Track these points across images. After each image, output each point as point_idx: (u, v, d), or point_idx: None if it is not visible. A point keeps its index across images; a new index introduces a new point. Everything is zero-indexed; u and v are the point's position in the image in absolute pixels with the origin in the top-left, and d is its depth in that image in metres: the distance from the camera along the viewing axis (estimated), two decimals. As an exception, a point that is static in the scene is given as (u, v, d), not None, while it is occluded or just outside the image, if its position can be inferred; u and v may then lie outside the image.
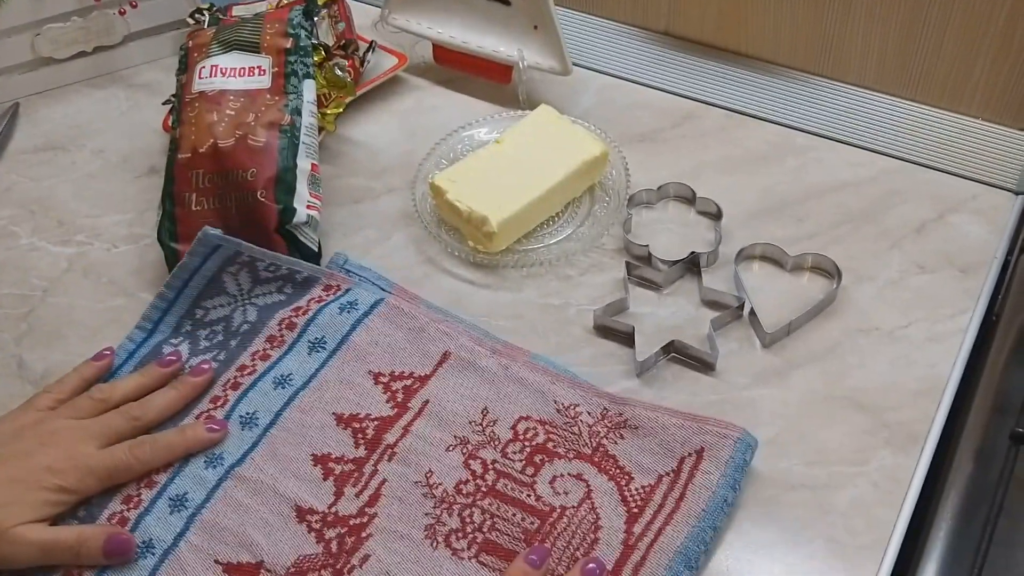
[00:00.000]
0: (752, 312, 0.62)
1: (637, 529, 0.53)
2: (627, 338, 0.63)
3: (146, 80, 0.88)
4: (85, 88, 0.88)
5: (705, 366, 0.61)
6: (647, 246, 0.66)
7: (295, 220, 0.67)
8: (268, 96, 0.70)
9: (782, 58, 0.78)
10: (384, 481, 0.56)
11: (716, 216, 0.69)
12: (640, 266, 0.66)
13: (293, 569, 0.52)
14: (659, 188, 0.71)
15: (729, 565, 0.53)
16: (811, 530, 0.54)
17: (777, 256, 0.66)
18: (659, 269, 0.66)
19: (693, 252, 0.65)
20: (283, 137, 0.68)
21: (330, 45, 0.79)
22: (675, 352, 0.62)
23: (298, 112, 0.69)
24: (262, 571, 0.52)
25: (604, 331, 0.64)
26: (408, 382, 0.60)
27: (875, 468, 0.56)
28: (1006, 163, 0.71)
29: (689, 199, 0.71)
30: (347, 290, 0.64)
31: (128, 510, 0.55)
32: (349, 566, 0.52)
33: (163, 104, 0.81)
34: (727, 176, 0.73)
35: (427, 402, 0.59)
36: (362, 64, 0.80)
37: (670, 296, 0.66)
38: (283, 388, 0.60)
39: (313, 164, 0.70)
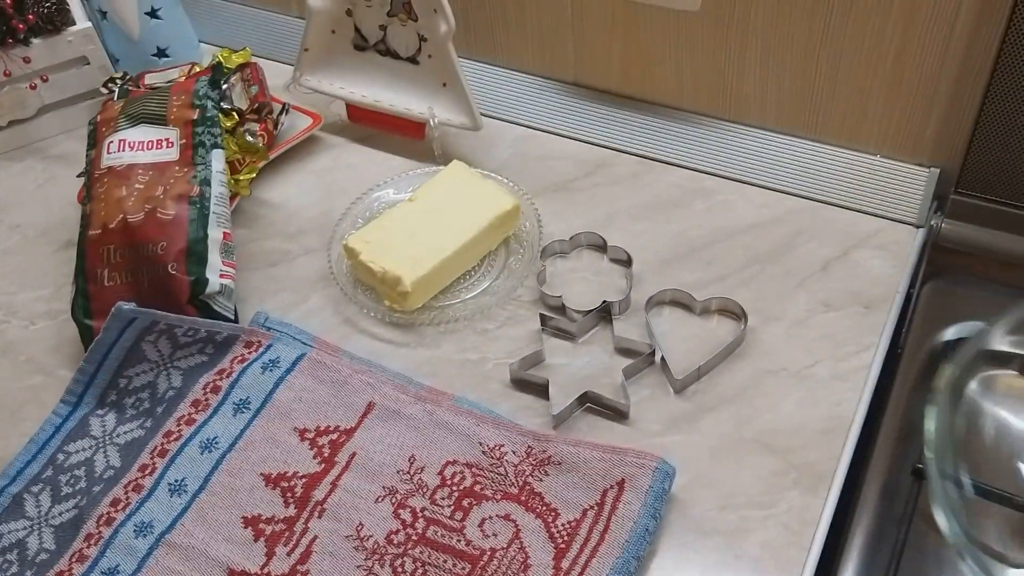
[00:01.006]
0: (663, 359, 0.63)
1: (565, 564, 0.54)
2: (543, 390, 0.64)
3: (62, 151, 0.88)
4: (1, 161, 0.87)
5: (619, 415, 0.62)
6: (560, 297, 0.68)
7: (208, 290, 0.67)
8: (176, 168, 0.70)
9: (686, 103, 0.79)
10: (315, 538, 0.56)
11: (627, 263, 0.71)
12: (555, 317, 0.67)
13: None
14: (571, 238, 0.73)
15: (644, 616, 0.54)
16: (725, 575, 0.55)
17: (686, 301, 0.67)
18: (573, 319, 0.67)
19: (605, 301, 0.67)
20: (192, 208, 0.68)
21: (243, 109, 0.79)
22: (590, 402, 0.63)
23: (207, 182, 0.70)
24: None
25: (521, 384, 0.65)
26: (334, 436, 0.60)
27: (784, 510, 0.57)
28: (906, 198, 0.73)
29: (601, 247, 0.73)
30: (268, 346, 0.65)
31: None
32: None
33: (77, 176, 0.81)
34: (639, 222, 0.74)
35: (354, 455, 0.59)
36: (276, 126, 0.81)
37: (584, 345, 0.67)
38: (210, 452, 0.60)
39: (225, 232, 0.70)
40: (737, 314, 0.66)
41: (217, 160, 0.71)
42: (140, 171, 0.70)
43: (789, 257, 0.71)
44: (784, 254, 0.71)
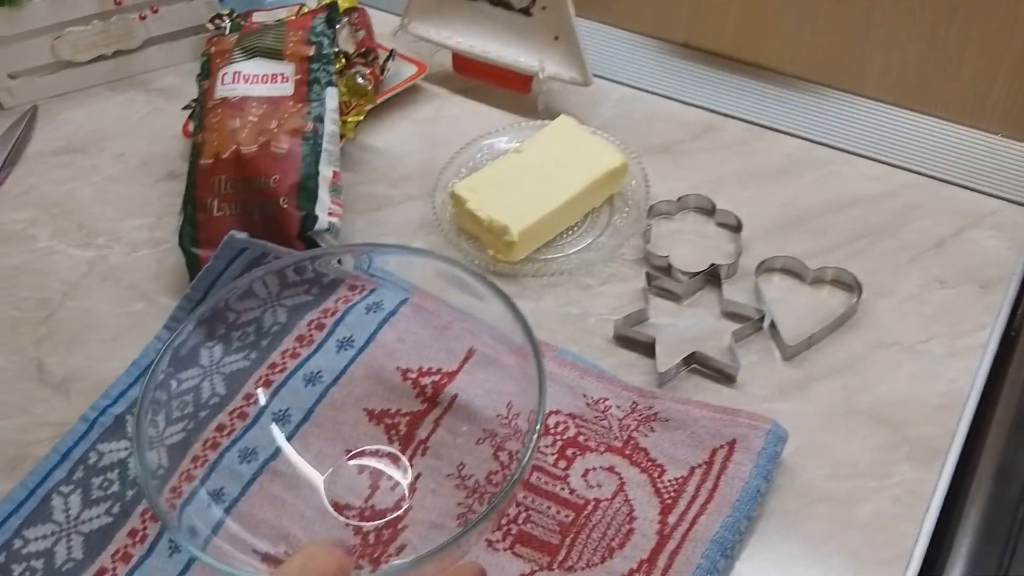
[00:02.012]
0: (773, 325, 0.62)
1: (671, 519, 0.54)
2: (647, 348, 0.63)
3: (165, 85, 0.88)
4: (104, 92, 0.88)
5: (726, 378, 0.62)
6: (667, 257, 0.67)
7: (316, 227, 0.67)
8: (291, 103, 0.70)
9: (802, 71, 0.78)
10: (419, 475, 0.56)
11: (736, 228, 0.69)
12: (660, 276, 0.66)
13: None
14: (679, 199, 0.72)
15: (750, 578, 0.53)
16: (832, 544, 0.54)
17: (797, 269, 0.66)
18: (679, 280, 0.66)
19: (713, 264, 0.66)
20: (305, 144, 0.68)
21: (350, 53, 0.79)
22: (696, 363, 0.62)
23: (320, 120, 0.70)
24: None
25: (624, 341, 0.64)
26: (436, 377, 0.60)
27: (896, 482, 0.56)
28: (1024, 179, 0.71)
29: (709, 211, 0.71)
30: (371, 290, 0.65)
31: (174, 497, 0.55)
32: (387, 555, 0.53)
33: (183, 109, 0.81)
34: (746, 189, 0.73)
35: (455, 396, 0.59)
36: (382, 72, 0.81)
37: (690, 307, 0.66)
38: (313, 385, 0.60)
39: (335, 172, 0.70)
40: (851, 285, 0.65)
41: (331, 98, 0.71)
42: (254, 104, 0.70)
43: (902, 232, 0.70)
44: (897, 229, 0.70)
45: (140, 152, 0.82)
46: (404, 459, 0.57)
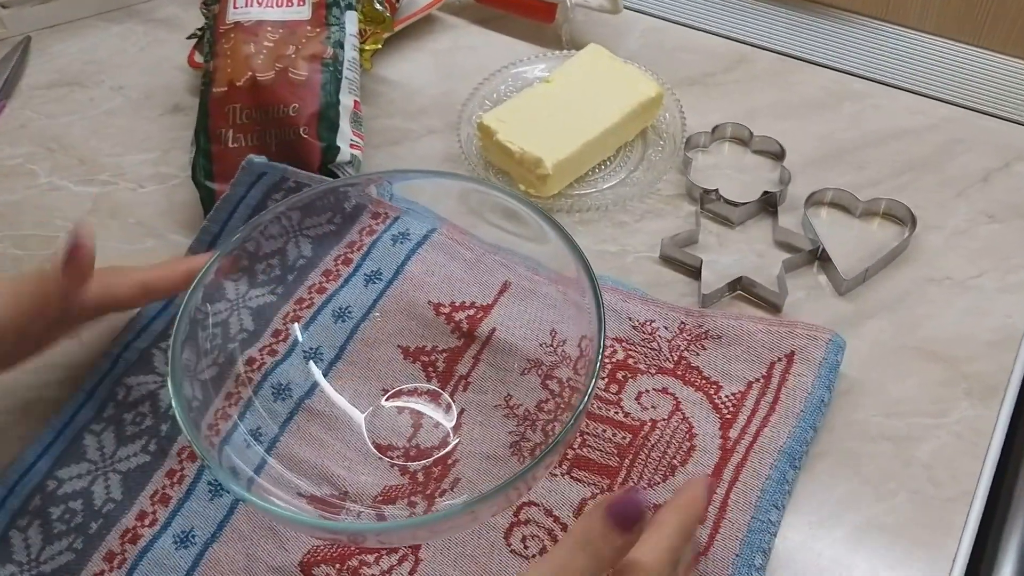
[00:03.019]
0: (826, 257, 0.60)
1: (733, 434, 0.52)
2: (692, 272, 0.61)
3: (165, 15, 0.83)
4: (100, 22, 0.83)
5: (771, 307, 0.59)
6: (716, 190, 0.64)
7: (338, 159, 0.64)
8: (308, 28, 0.66)
9: (838, 0, 0.75)
10: (463, 410, 0.54)
11: (778, 156, 0.67)
12: (714, 200, 0.63)
13: (381, 498, 0.50)
14: (714, 130, 0.69)
15: (810, 518, 0.51)
16: (894, 482, 0.52)
17: (847, 202, 0.64)
18: (734, 206, 0.63)
19: (768, 191, 0.63)
20: (326, 71, 0.64)
21: (365, -22, 0.75)
22: (741, 289, 0.60)
23: (340, 45, 0.66)
24: (347, 502, 0.50)
25: (670, 262, 0.62)
26: (471, 312, 0.57)
27: (955, 420, 0.55)
28: (1071, 111, 0.69)
29: (745, 141, 0.69)
30: (396, 218, 0.61)
31: (212, 435, 0.52)
32: (440, 490, 0.51)
33: (187, 38, 0.77)
34: (782, 122, 0.70)
35: (493, 330, 0.57)
36: (398, 0, 0.77)
37: (740, 234, 0.63)
38: (343, 321, 0.57)
39: (355, 101, 0.66)
40: (902, 218, 0.63)
41: (351, 22, 0.67)
42: (269, 28, 0.65)
43: (947, 165, 0.67)
44: (941, 162, 0.67)
45: (140, 85, 0.78)
46: (446, 396, 0.55)
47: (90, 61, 0.80)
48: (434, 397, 0.55)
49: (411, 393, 0.55)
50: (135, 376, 0.57)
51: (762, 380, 0.54)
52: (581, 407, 0.43)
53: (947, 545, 0.50)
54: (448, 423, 0.54)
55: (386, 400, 0.55)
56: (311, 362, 0.55)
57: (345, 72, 0.65)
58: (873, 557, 0.50)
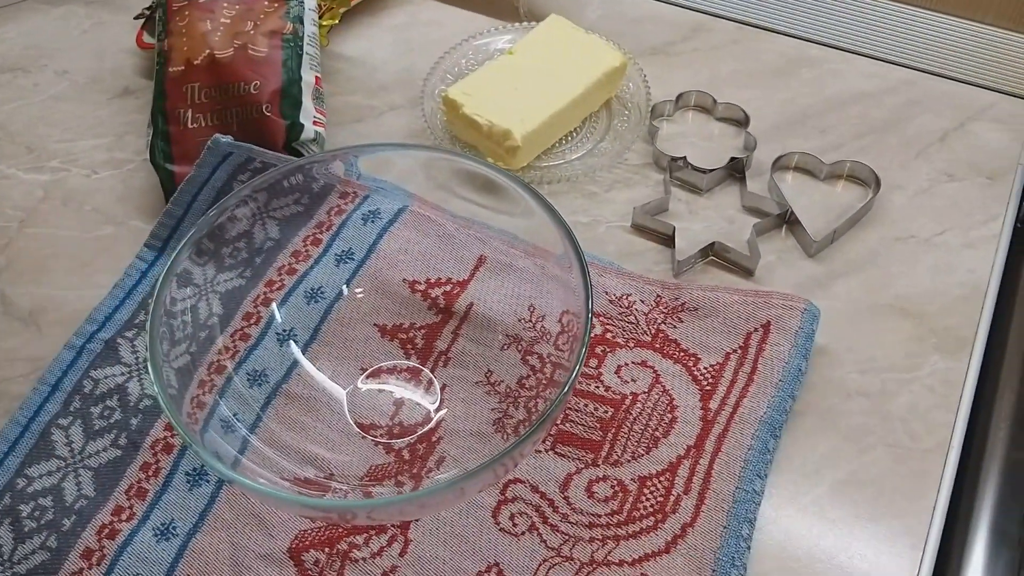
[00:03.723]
0: (795, 220, 0.61)
1: (713, 405, 0.52)
2: (665, 239, 0.61)
3: (107, -4, 0.81)
4: (39, 5, 0.80)
5: (744, 271, 0.60)
6: (684, 157, 0.64)
7: (302, 137, 0.63)
8: (266, 3, 0.64)
9: (793, -33, 0.76)
10: (444, 386, 0.53)
11: (743, 123, 0.67)
12: (682, 167, 0.64)
13: (367, 478, 0.49)
14: (678, 97, 0.69)
15: (793, 476, 0.52)
16: (872, 436, 0.53)
17: (812, 166, 0.64)
18: (702, 172, 0.63)
19: (735, 158, 0.63)
20: (286, 47, 0.63)
21: (318, -47, 0.73)
22: (714, 255, 0.60)
23: (300, 20, 0.64)
24: (333, 483, 0.49)
25: (642, 230, 0.62)
26: (447, 288, 0.57)
27: (927, 373, 0.56)
28: (1023, 71, 0.70)
29: (709, 108, 0.69)
30: (365, 197, 0.60)
31: (172, 436, 0.51)
32: (426, 469, 0.50)
33: (135, 19, 0.75)
34: (744, 89, 0.71)
35: (471, 305, 0.56)
36: (353, -26, 0.75)
37: (709, 201, 0.64)
38: (316, 302, 0.56)
39: (317, 77, 0.65)
40: (866, 180, 0.64)
41: (310, -4, 0.65)
42: (225, 4, 0.64)
43: (905, 127, 0.68)
44: (899, 124, 0.69)
45: (87, 68, 0.75)
46: (426, 372, 0.54)
47: (31, 46, 0.77)
48: (415, 374, 0.54)
49: (391, 371, 0.54)
50: (101, 368, 0.55)
51: (739, 351, 0.54)
52: (568, 384, 0.43)
53: (927, 495, 0.51)
54: (431, 400, 0.53)
55: (366, 378, 0.54)
56: (290, 343, 0.54)
57: (306, 48, 0.64)
58: (856, 510, 0.51)
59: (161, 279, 0.47)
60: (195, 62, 0.62)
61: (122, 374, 0.55)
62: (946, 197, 0.64)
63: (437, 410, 0.53)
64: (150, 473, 0.51)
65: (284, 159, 0.60)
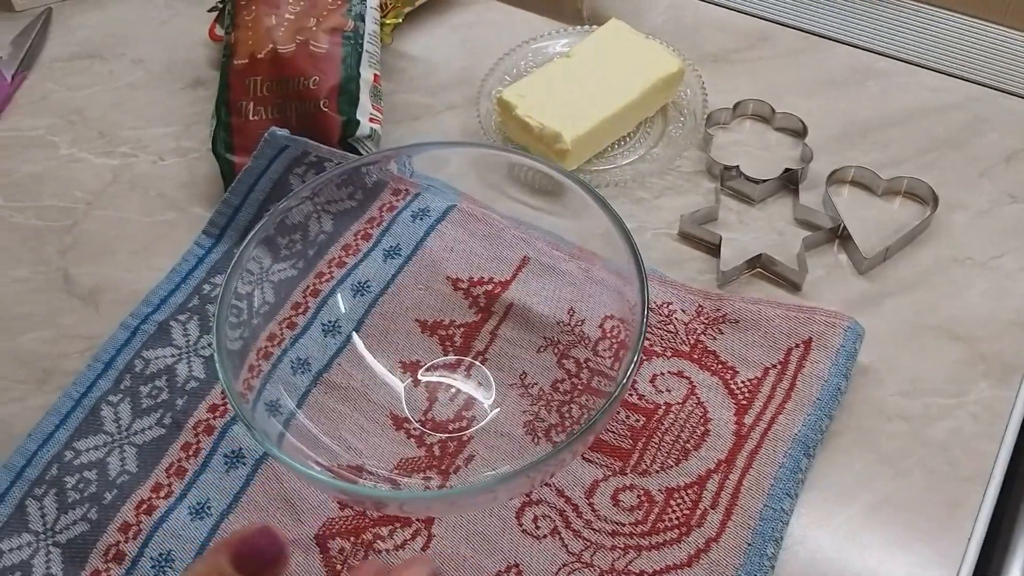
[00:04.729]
0: (847, 235, 0.60)
1: (748, 420, 0.52)
2: (711, 249, 0.61)
3: (185, -12, 0.83)
4: (120, -5, 0.83)
5: (791, 285, 0.59)
6: (737, 166, 0.63)
7: (358, 133, 0.64)
8: (329, 0, 0.66)
9: (863, -23, 0.74)
10: (479, 384, 0.54)
11: (800, 133, 0.66)
12: (735, 176, 0.63)
13: (397, 470, 0.50)
14: (735, 106, 0.68)
15: (826, 496, 0.51)
16: (909, 461, 0.52)
17: (868, 180, 0.63)
18: (755, 183, 0.63)
19: (789, 169, 0.62)
20: (346, 44, 0.64)
21: (386, -49, 0.75)
22: (760, 267, 0.60)
23: (361, 18, 0.66)
24: (364, 473, 0.50)
25: (689, 239, 0.62)
26: (488, 287, 0.57)
27: (973, 400, 0.54)
28: (1098, 92, 0.68)
29: (767, 118, 0.68)
30: (416, 195, 0.61)
31: (215, 418, 0.53)
32: (455, 466, 0.51)
33: (208, 11, 0.77)
34: (804, 99, 0.70)
35: (511, 305, 0.57)
36: (419, -27, 0.76)
37: (760, 212, 0.63)
38: (362, 295, 0.57)
39: (375, 75, 0.66)
40: (924, 197, 0.62)
41: (372, -5, 0.67)
42: (290, 1, 0.65)
43: (970, 145, 0.66)
44: (964, 142, 0.67)
45: (161, 58, 0.78)
46: (462, 370, 0.55)
47: (111, 34, 0.80)
48: (451, 371, 0.55)
49: (429, 366, 0.55)
50: (152, 349, 0.57)
51: (779, 366, 0.54)
52: (617, 393, 0.43)
53: (963, 525, 0.50)
54: (463, 397, 0.54)
55: (404, 372, 0.55)
56: (328, 336, 0.56)
57: (366, 45, 0.65)
58: (888, 535, 0.50)
59: (230, 271, 0.49)
60: (259, 56, 0.63)
61: (172, 356, 0.57)
62: (1007, 219, 0.62)
63: (468, 408, 0.53)
64: (190, 453, 0.53)
65: (339, 154, 0.62)
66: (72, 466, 0.53)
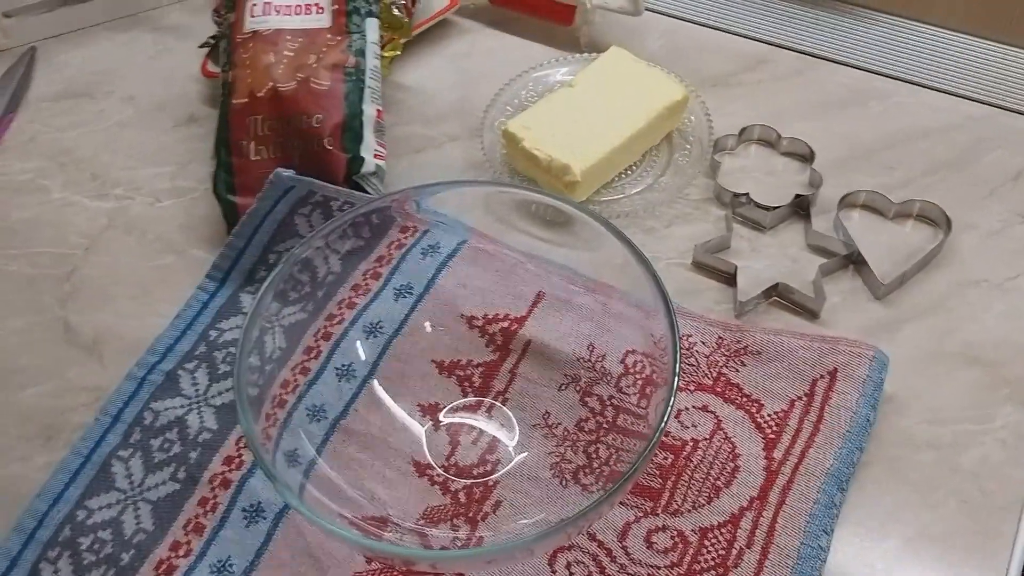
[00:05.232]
0: (862, 261, 0.59)
1: (777, 455, 0.51)
2: (726, 278, 0.60)
3: (173, 22, 0.82)
4: (106, 31, 0.82)
5: (809, 313, 0.58)
6: (747, 193, 0.63)
7: (363, 170, 0.63)
8: (328, 36, 0.65)
9: (860, -2, 0.74)
10: (502, 426, 0.53)
11: (807, 158, 0.66)
12: (745, 204, 0.63)
13: (423, 520, 0.49)
14: (741, 132, 0.68)
15: (859, 530, 0.50)
16: (941, 491, 0.52)
17: (879, 204, 0.63)
18: (766, 210, 0.62)
19: (800, 195, 0.62)
20: (348, 80, 0.63)
21: (381, -17, 0.74)
22: (778, 296, 0.59)
23: (362, 53, 0.64)
24: (389, 524, 0.48)
25: (703, 268, 0.61)
26: (504, 324, 0.56)
27: (1000, 426, 0.54)
28: (1098, 107, 0.68)
29: (773, 142, 0.68)
30: (425, 232, 0.60)
31: (230, 471, 0.51)
32: (482, 513, 0.50)
33: (200, 47, 0.76)
34: (807, 122, 0.69)
35: (529, 342, 0.56)
36: (414, 4, 0.75)
37: (772, 239, 0.63)
38: (375, 336, 0.56)
39: (378, 110, 0.65)
40: (936, 220, 0.62)
41: (372, 30, 0.66)
42: (288, 37, 0.64)
43: (976, 165, 0.66)
44: (970, 162, 0.67)
45: (152, 95, 0.76)
46: (483, 411, 0.54)
47: (98, 71, 0.78)
48: (472, 413, 0.54)
49: (449, 409, 0.54)
50: (161, 400, 0.55)
51: (805, 398, 0.53)
52: (656, 436, 0.42)
53: (1000, 554, 0.49)
54: (486, 440, 0.53)
55: (423, 415, 0.54)
56: (341, 381, 0.54)
57: (368, 81, 0.64)
58: (925, 569, 0.49)
59: (248, 323, 0.48)
60: (259, 94, 0.62)
61: (182, 406, 0.55)
62: (1020, 239, 0.62)
63: (491, 452, 0.52)
64: (208, 508, 0.51)
65: (345, 193, 0.60)
66: (85, 526, 0.51)
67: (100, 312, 0.62)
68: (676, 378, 0.44)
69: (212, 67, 0.73)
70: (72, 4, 0.79)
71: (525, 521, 0.49)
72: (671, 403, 0.43)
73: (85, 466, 0.53)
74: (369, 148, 0.63)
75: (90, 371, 0.59)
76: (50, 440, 0.56)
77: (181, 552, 0.50)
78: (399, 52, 0.72)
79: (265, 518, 0.50)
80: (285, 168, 0.62)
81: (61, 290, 0.63)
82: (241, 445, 0.53)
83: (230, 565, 0.49)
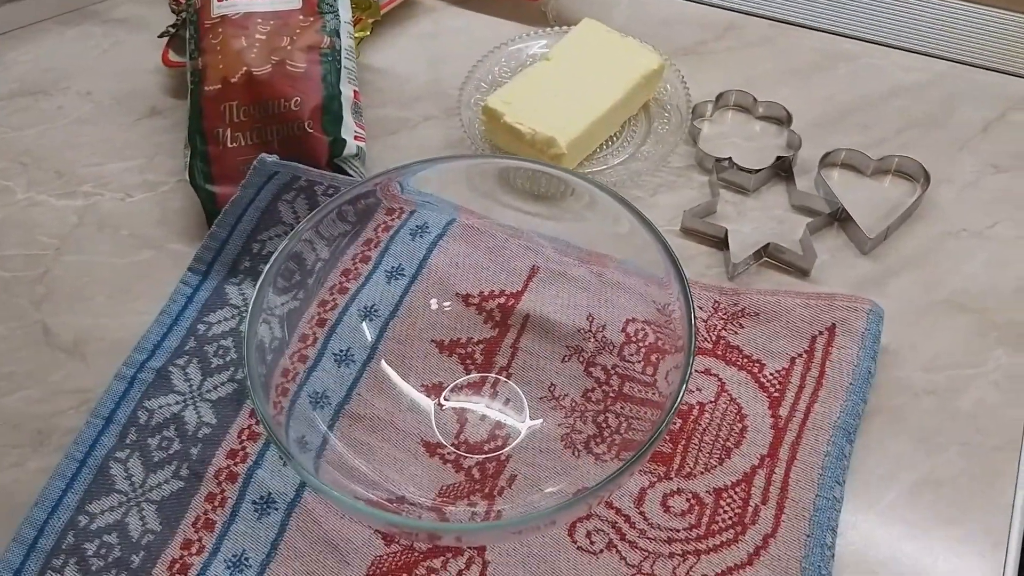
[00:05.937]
0: (848, 217, 0.60)
1: (783, 412, 0.52)
2: (716, 242, 0.60)
3: (123, 15, 0.79)
4: (54, 26, 0.79)
5: (799, 271, 0.59)
6: (729, 158, 0.63)
7: (345, 152, 0.61)
8: (301, 17, 0.63)
9: (823, -38, 0.75)
10: (507, 401, 0.53)
11: (784, 121, 0.67)
12: (728, 168, 0.63)
13: (440, 499, 0.48)
14: (717, 98, 0.68)
15: (867, 479, 0.51)
16: (942, 436, 0.53)
17: (858, 162, 0.64)
18: (749, 173, 0.63)
19: (781, 156, 0.63)
20: (325, 62, 0.62)
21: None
22: (768, 256, 0.60)
23: (336, 33, 0.63)
24: (406, 504, 0.48)
25: (691, 233, 0.61)
26: (501, 300, 0.56)
27: (992, 368, 0.55)
28: (1058, 59, 0.70)
29: (749, 107, 0.68)
30: (411, 212, 0.59)
31: (235, 464, 0.50)
32: (498, 488, 0.49)
33: (159, 36, 0.73)
34: (781, 86, 0.70)
35: (528, 316, 0.55)
36: (378, -16, 0.74)
37: (757, 201, 0.63)
38: (371, 320, 0.55)
39: (355, 91, 0.64)
40: (914, 175, 0.63)
41: (344, 9, 0.64)
42: (259, 20, 0.63)
43: (947, 120, 0.68)
44: (940, 117, 0.68)
45: (110, 89, 0.74)
46: (488, 388, 0.53)
47: (50, 68, 0.76)
48: (476, 390, 0.53)
49: (453, 388, 0.53)
50: (155, 398, 0.54)
51: (805, 355, 0.53)
52: (674, 406, 0.42)
53: (1004, 492, 0.51)
54: (494, 415, 0.52)
55: (427, 395, 0.53)
56: (341, 366, 0.53)
57: (344, 61, 0.63)
58: (934, 512, 0.50)
59: (248, 318, 0.47)
60: (232, 80, 0.60)
61: (177, 403, 0.54)
62: (994, 189, 0.64)
63: (501, 427, 0.52)
64: (216, 504, 0.50)
65: (329, 176, 0.59)
66: (89, 531, 0.49)
67: (77, 313, 0.60)
68: (692, 342, 0.44)
69: (175, 56, 0.71)
70: (16, 0, 0.76)
71: (542, 492, 0.49)
72: (689, 368, 0.43)
73: (82, 470, 0.51)
74: (349, 130, 0.62)
75: (75, 373, 0.57)
76: (41, 445, 0.54)
77: (193, 550, 0.48)
78: (368, 33, 0.71)
79: (277, 509, 0.49)
80: (265, 152, 0.60)
81: (35, 292, 0.61)
82: (244, 438, 0.52)
83: (246, 559, 0.48)
